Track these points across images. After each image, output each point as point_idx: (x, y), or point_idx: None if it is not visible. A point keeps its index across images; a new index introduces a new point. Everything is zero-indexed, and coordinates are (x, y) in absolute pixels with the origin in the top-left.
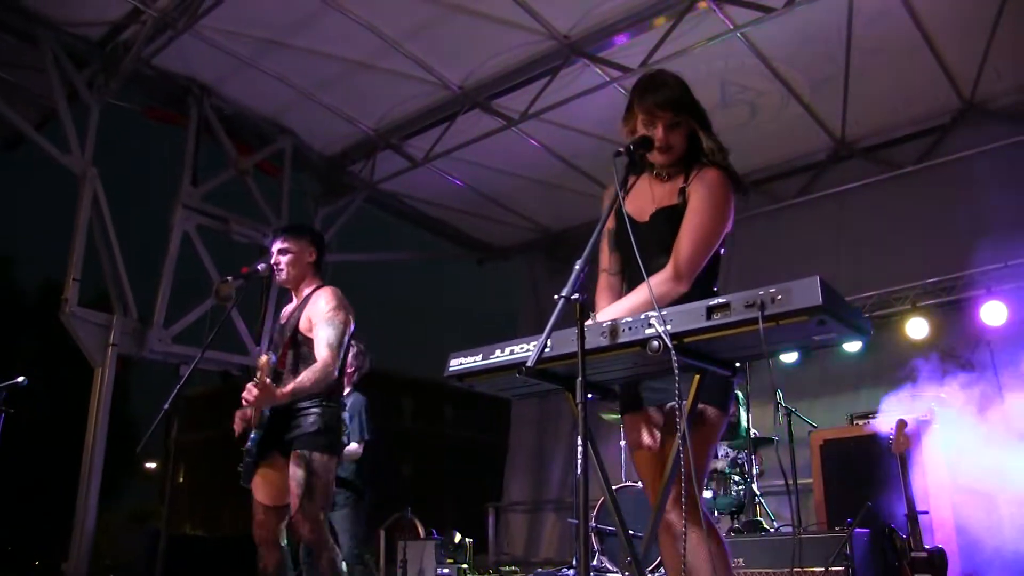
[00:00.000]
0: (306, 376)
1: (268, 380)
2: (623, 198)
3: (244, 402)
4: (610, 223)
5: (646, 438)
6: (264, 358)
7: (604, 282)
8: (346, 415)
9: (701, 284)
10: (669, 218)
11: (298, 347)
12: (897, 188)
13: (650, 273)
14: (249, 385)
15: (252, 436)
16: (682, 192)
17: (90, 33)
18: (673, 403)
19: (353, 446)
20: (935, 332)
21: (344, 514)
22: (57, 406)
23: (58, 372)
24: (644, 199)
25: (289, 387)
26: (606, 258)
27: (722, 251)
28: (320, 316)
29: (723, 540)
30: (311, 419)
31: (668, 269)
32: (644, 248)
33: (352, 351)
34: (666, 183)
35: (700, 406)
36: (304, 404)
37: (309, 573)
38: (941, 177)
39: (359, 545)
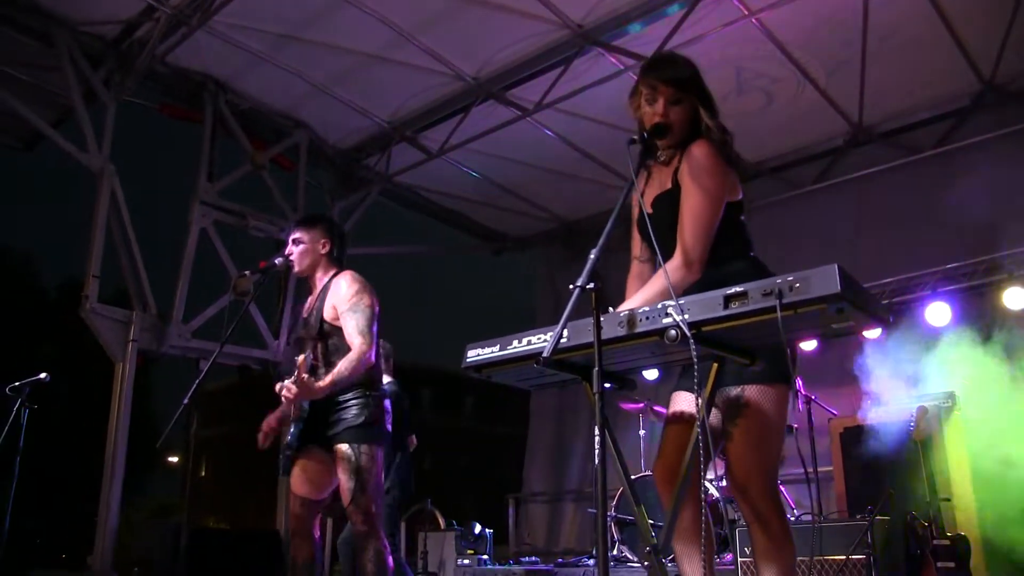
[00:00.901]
0: (343, 366)
1: (306, 376)
2: (638, 185)
3: (283, 400)
4: (636, 211)
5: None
6: (302, 356)
7: (635, 269)
8: (387, 403)
9: (733, 251)
10: (669, 203)
11: (327, 338)
12: (916, 172)
13: (667, 260)
14: (287, 383)
15: (292, 429)
16: (674, 175)
17: (105, 32)
18: (726, 388)
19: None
20: (956, 318)
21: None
22: (80, 402)
23: (80, 368)
24: (652, 186)
25: (328, 379)
26: (636, 245)
27: (742, 217)
28: (344, 303)
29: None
30: (354, 411)
31: (677, 256)
32: (658, 235)
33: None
34: (665, 167)
35: (752, 387)
36: (346, 396)
37: (352, 565)
38: (961, 161)
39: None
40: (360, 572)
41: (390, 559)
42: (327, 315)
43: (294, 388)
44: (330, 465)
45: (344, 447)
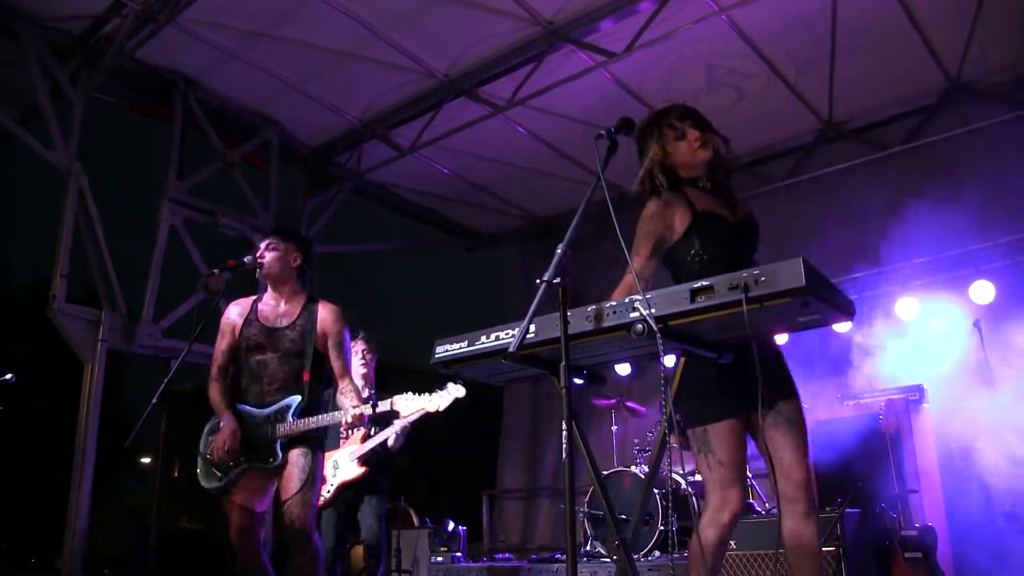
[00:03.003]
0: (351, 403)
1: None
2: (604, 179)
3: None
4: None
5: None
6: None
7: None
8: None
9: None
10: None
11: (315, 360)
12: (885, 169)
13: None
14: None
15: (279, 444)
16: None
17: (72, 27)
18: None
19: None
20: (925, 312)
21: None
22: (49, 403)
23: (49, 369)
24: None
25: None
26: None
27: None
28: (336, 337)
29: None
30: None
31: None
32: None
33: (364, 347)
34: (712, 196)
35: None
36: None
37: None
38: (928, 157)
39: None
40: (298, 573)
41: (321, 554)
42: (319, 342)
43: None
44: (271, 476)
45: (299, 450)
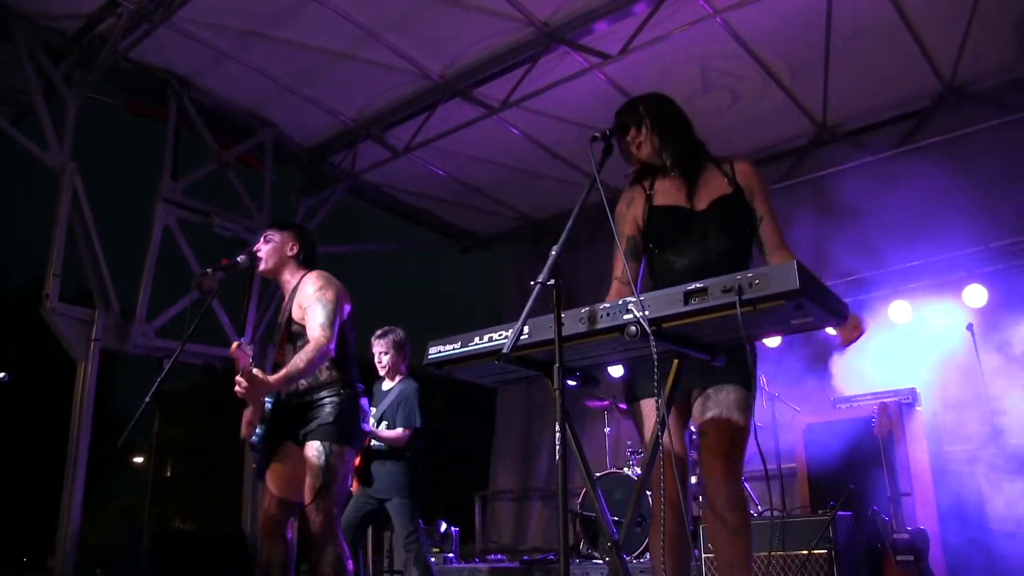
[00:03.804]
0: (298, 358)
1: (253, 369)
2: (599, 181)
3: (238, 395)
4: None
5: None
6: (234, 344)
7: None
8: (364, 402)
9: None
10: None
11: (295, 338)
12: (879, 172)
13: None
14: (237, 378)
15: (256, 431)
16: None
17: (66, 26)
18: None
19: (396, 431)
20: (919, 315)
21: (398, 503)
22: (42, 402)
23: (42, 368)
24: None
25: (281, 372)
26: (621, 265)
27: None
28: (309, 299)
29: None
30: (327, 409)
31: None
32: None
33: (389, 340)
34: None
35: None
36: (321, 395)
37: (313, 569)
38: (922, 161)
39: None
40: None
41: (349, 564)
42: (295, 315)
43: (244, 381)
44: (294, 464)
45: (313, 445)
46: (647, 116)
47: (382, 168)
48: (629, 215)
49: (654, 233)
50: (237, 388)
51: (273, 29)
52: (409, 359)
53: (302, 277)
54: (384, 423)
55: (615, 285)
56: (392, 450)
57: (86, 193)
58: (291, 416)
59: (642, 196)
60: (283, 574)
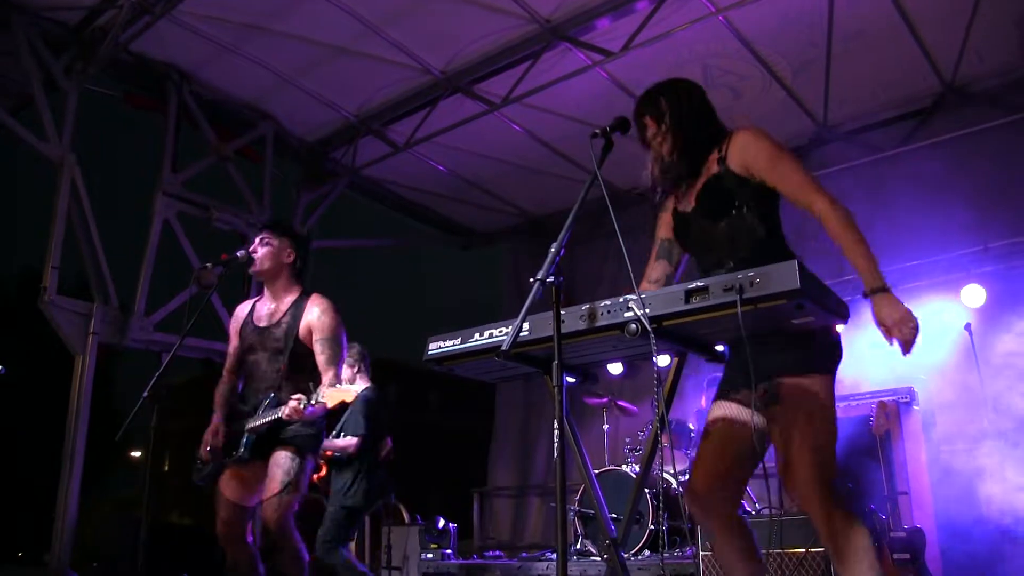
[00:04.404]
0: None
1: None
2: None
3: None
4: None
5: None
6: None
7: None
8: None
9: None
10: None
11: (296, 357)
12: (879, 171)
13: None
14: (293, 403)
15: (245, 440)
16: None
17: (66, 18)
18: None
19: (345, 440)
20: (917, 315)
21: (330, 512)
22: (39, 395)
23: (39, 361)
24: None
25: (317, 408)
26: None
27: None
28: (324, 331)
29: None
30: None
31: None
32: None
33: (354, 353)
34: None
35: (788, 379)
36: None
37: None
38: (922, 161)
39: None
40: (279, 574)
41: (306, 555)
42: (301, 334)
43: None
44: (257, 472)
45: (287, 452)
46: (668, 110)
47: (383, 163)
48: (663, 219)
49: (678, 238)
50: (292, 411)
51: (274, 22)
52: (369, 371)
53: (300, 294)
54: (343, 433)
55: (643, 285)
56: (349, 459)
57: (85, 185)
58: (237, 426)
59: (672, 201)
60: (252, 571)
